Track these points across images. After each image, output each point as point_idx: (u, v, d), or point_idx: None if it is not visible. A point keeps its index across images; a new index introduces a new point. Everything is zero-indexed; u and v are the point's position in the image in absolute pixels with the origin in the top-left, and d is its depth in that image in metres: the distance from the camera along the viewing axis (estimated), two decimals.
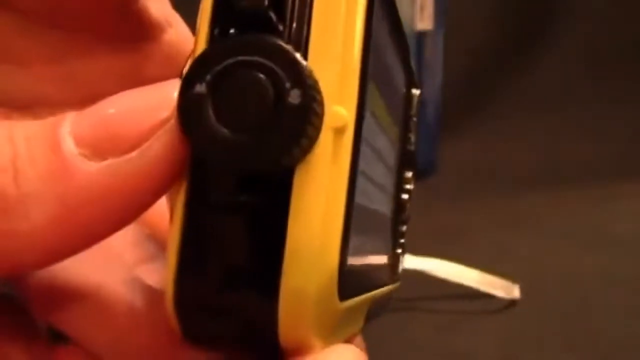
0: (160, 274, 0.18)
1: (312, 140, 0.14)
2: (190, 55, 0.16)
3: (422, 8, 0.72)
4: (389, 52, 0.19)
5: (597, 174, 0.71)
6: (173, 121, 0.15)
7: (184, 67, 0.16)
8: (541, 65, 0.93)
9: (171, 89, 0.15)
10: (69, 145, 0.15)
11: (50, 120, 0.16)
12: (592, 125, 0.83)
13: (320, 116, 0.14)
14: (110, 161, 0.15)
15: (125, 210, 0.15)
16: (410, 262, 0.37)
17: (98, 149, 0.15)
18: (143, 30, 0.21)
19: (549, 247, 0.51)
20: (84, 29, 0.20)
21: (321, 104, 0.14)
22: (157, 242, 0.21)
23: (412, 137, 0.25)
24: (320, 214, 0.14)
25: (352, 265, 0.16)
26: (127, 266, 0.19)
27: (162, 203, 0.23)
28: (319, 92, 0.14)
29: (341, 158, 0.15)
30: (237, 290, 0.15)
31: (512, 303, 0.40)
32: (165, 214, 0.23)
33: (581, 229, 0.55)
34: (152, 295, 0.17)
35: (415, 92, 0.25)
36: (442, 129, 0.76)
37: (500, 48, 0.94)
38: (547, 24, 0.95)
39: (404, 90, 0.24)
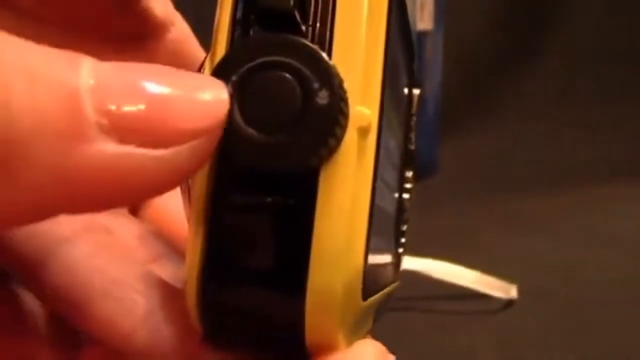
0: (168, 271, 0.19)
1: (339, 140, 0.14)
2: (208, 55, 0.15)
3: (422, 8, 0.72)
4: (398, 52, 0.19)
5: (597, 174, 0.71)
6: (215, 134, 0.14)
7: (201, 67, 0.16)
8: (541, 65, 0.93)
9: (224, 94, 0.14)
10: (87, 106, 0.12)
11: (65, 56, 0.13)
12: (592, 125, 0.83)
13: (346, 116, 0.14)
14: (131, 149, 0.13)
15: (117, 201, 0.14)
16: (408, 262, 0.37)
17: (122, 129, 0.12)
18: (146, 30, 0.21)
19: (548, 247, 0.51)
20: (86, 28, 0.20)
21: (347, 103, 0.14)
22: (162, 239, 0.21)
23: (413, 137, 0.25)
24: (347, 214, 0.14)
25: (370, 266, 0.16)
26: (140, 262, 0.19)
27: (164, 201, 0.23)
28: (345, 92, 0.14)
29: (366, 157, 0.15)
30: (262, 290, 0.15)
31: (509, 303, 0.40)
32: (168, 211, 0.23)
33: (581, 229, 0.55)
34: (168, 291, 0.17)
35: (416, 91, 0.25)
36: (442, 128, 0.76)
37: (500, 48, 0.94)
38: (547, 24, 0.95)
39: (406, 89, 0.24)
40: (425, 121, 0.72)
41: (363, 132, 0.14)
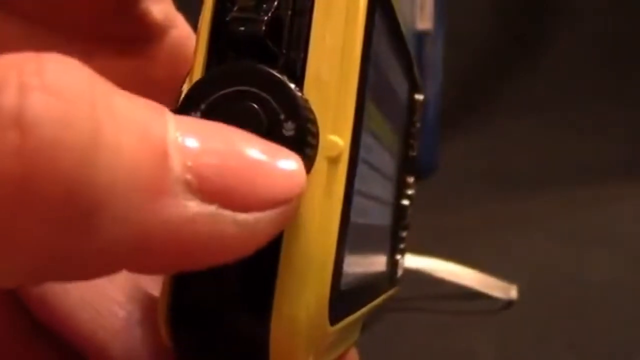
0: (153, 284, 0.18)
1: (306, 171, 0.14)
2: (187, 75, 0.16)
3: (422, 8, 0.72)
4: (388, 62, 0.19)
5: (597, 174, 0.71)
6: (294, 205, 0.14)
7: (182, 85, 0.16)
8: (541, 65, 0.93)
9: (301, 165, 0.14)
10: (175, 161, 0.12)
11: (150, 106, 0.12)
12: (592, 125, 0.83)
13: (314, 147, 0.14)
14: (214, 209, 0.12)
15: (189, 262, 0.13)
16: (408, 261, 0.38)
17: (208, 187, 0.12)
18: (146, 32, 0.21)
19: (548, 247, 0.51)
20: (87, 31, 0.20)
21: (316, 135, 0.14)
22: None
23: (414, 143, 0.25)
24: (313, 244, 0.14)
25: (346, 286, 0.16)
26: (128, 274, 0.19)
27: None
28: (314, 123, 0.14)
29: (335, 186, 0.15)
30: (230, 315, 0.15)
31: (509, 304, 0.40)
32: None
33: (581, 229, 0.55)
34: (151, 304, 0.17)
35: (419, 97, 0.25)
36: (442, 129, 0.76)
37: (500, 48, 0.94)
38: (547, 23, 0.95)
39: (405, 96, 0.24)
40: (425, 121, 0.71)
41: (333, 161, 0.15)
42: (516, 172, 0.74)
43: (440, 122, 0.76)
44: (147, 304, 0.17)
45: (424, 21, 0.73)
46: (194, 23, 0.23)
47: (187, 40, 0.22)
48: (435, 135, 0.75)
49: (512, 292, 0.40)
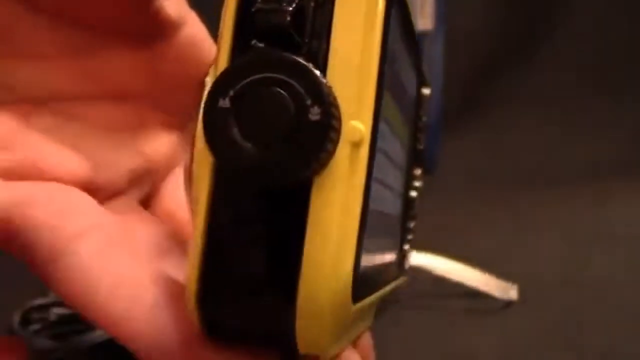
0: (177, 269, 0.19)
1: (331, 154, 0.15)
2: (212, 64, 0.16)
3: (422, 8, 0.72)
4: (402, 54, 0.20)
5: (597, 174, 0.71)
6: None
7: (205, 74, 0.16)
8: (541, 65, 0.93)
9: None
10: None
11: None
12: (592, 125, 0.83)
13: (338, 131, 0.15)
14: None
15: None
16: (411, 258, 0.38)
17: None
18: (159, 28, 0.21)
19: (548, 247, 0.51)
20: (102, 26, 0.21)
21: (339, 120, 0.15)
22: (172, 236, 0.22)
23: (421, 137, 0.26)
24: (336, 225, 0.15)
25: (364, 268, 0.16)
26: (150, 259, 0.19)
27: (174, 194, 0.23)
28: (337, 108, 0.15)
29: (357, 170, 0.15)
30: (256, 296, 0.15)
31: (509, 303, 0.40)
32: (178, 205, 0.23)
33: (580, 229, 0.55)
34: (175, 288, 0.18)
35: (426, 91, 0.26)
36: (443, 128, 0.76)
37: (500, 48, 0.94)
38: (547, 24, 0.95)
39: (414, 89, 0.24)
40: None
41: (355, 146, 0.15)
42: (516, 172, 0.74)
43: (441, 122, 0.76)
44: (173, 288, 0.18)
45: (424, 21, 0.73)
46: (206, 20, 0.23)
47: (200, 37, 0.23)
48: (435, 135, 0.75)
49: (512, 292, 0.40)
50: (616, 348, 0.35)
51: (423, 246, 0.39)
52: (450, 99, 0.79)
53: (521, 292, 0.41)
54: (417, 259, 0.39)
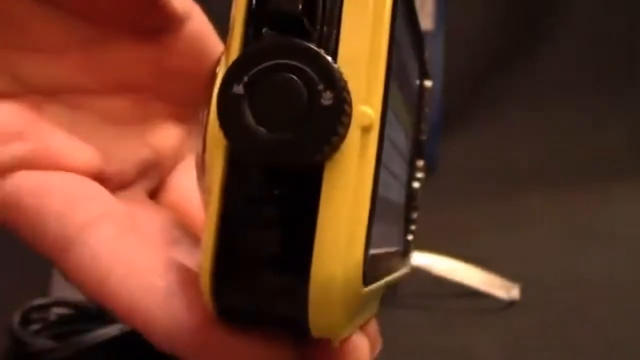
0: (187, 256, 0.19)
1: (342, 138, 0.15)
2: (223, 52, 0.16)
3: (422, 8, 0.72)
4: (406, 45, 0.20)
5: (596, 174, 0.71)
6: None
7: (217, 63, 0.17)
8: (541, 65, 0.93)
9: None
10: None
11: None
12: (592, 125, 0.83)
13: (349, 116, 0.15)
14: None
15: None
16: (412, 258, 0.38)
17: None
18: (166, 22, 0.22)
19: (548, 247, 0.51)
20: (111, 20, 0.21)
21: (350, 104, 0.15)
22: (180, 224, 0.22)
23: (424, 128, 0.26)
24: (348, 207, 0.15)
25: (373, 253, 0.17)
26: (161, 247, 0.19)
27: (182, 184, 0.24)
28: (349, 93, 0.15)
29: (368, 154, 0.16)
30: (270, 277, 0.16)
31: (511, 303, 0.40)
32: (186, 194, 0.23)
33: (581, 229, 0.55)
34: (187, 275, 0.18)
35: (428, 83, 0.26)
36: (443, 128, 0.76)
37: (500, 48, 0.94)
38: (547, 23, 0.95)
39: (417, 80, 0.25)
40: None
41: (365, 130, 0.15)
42: (516, 172, 0.74)
43: (441, 121, 0.76)
44: (185, 274, 0.18)
45: (424, 21, 0.73)
46: (210, 14, 0.23)
47: (205, 30, 0.23)
48: (436, 135, 0.75)
49: (514, 292, 0.40)
50: (618, 348, 0.35)
51: (425, 245, 0.38)
52: (450, 99, 0.79)
53: (521, 292, 0.41)
54: (417, 259, 0.39)
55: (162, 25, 0.22)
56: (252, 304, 0.16)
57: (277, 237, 0.15)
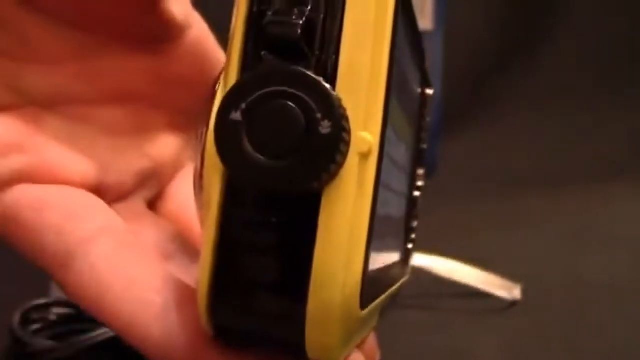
0: (185, 271, 0.19)
1: (340, 165, 0.15)
2: (221, 73, 0.16)
3: (422, 8, 0.72)
4: (407, 56, 0.20)
5: (596, 175, 0.71)
6: None
7: (215, 83, 0.17)
8: (541, 65, 0.93)
9: None
10: None
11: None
12: (592, 125, 0.83)
13: (348, 144, 0.15)
14: None
15: None
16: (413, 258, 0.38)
17: None
18: (165, 31, 0.21)
19: (548, 247, 0.51)
20: (109, 30, 0.21)
21: (349, 132, 0.15)
22: (180, 239, 0.22)
23: (425, 136, 0.26)
24: (346, 234, 0.15)
25: (371, 273, 0.17)
26: (159, 262, 0.19)
27: (181, 195, 0.24)
28: (347, 121, 0.15)
29: (366, 180, 0.15)
30: (266, 302, 0.16)
31: (513, 303, 0.40)
32: (185, 206, 0.23)
33: (581, 229, 0.55)
34: (185, 291, 0.18)
35: (429, 92, 0.26)
36: (443, 129, 0.76)
37: (500, 48, 0.94)
38: (547, 24, 0.95)
39: (418, 89, 0.25)
40: None
41: (364, 156, 0.15)
42: (517, 172, 0.74)
43: (441, 122, 0.76)
44: (182, 291, 0.18)
45: (424, 21, 0.73)
46: (210, 22, 0.23)
47: (205, 39, 0.23)
48: (435, 135, 0.75)
49: (516, 292, 0.40)
50: (619, 348, 0.35)
51: (423, 247, 0.38)
52: (450, 99, 0.79)
53: (523, 292, 0.41)
54: (419, 260, 0.39)
55: (162, 34, 0.21)
56: (248, 326, 0.16)
57: (275, 261, 0.15)
